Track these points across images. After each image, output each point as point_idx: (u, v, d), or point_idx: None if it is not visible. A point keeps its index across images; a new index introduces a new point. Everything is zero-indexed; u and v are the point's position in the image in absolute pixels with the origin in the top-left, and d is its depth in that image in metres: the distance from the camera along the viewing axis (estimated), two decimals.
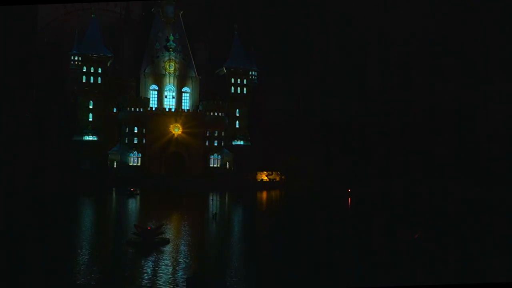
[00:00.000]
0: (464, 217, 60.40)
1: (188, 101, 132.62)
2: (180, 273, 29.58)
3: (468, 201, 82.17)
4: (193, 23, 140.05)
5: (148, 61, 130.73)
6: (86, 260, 32.76)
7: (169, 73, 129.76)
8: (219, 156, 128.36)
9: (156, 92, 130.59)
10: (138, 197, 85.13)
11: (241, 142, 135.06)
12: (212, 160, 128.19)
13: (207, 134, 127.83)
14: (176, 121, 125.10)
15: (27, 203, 70.84)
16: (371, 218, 58.96)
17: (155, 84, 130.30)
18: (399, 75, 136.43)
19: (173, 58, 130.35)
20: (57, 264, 31.25)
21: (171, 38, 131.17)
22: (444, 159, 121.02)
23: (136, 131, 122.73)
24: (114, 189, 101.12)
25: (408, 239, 38.39)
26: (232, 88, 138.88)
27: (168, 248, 36.33)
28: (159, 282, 27.33)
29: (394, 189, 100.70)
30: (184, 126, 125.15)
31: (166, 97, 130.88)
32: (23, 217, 54.38)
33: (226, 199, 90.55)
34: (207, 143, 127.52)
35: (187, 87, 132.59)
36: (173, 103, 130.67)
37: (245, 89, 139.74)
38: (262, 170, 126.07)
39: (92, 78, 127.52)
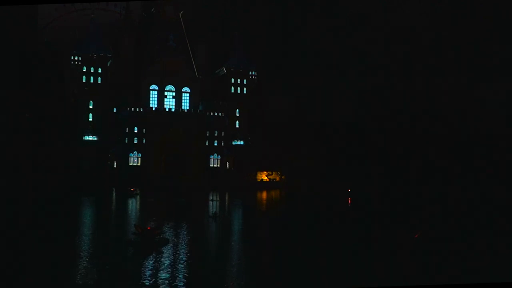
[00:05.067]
0: (464, 217, 60.39)
1: (188, 101, 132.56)
2: (180, 273, 29.58)
3: (468, 201, 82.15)
4: (193, 23, 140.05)
5: (148, 61, 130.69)
6: (86, 259, 32.76)
7: (169, 73, 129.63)
8: (219, 156, 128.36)
9: (156, 92, 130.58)
10: (138, 197, 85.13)
11: (241, 142, 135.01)
12: (212, 160, 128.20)
13: (207, 134, 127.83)
14: (176, 121, 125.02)
15: (28, 203, 70.84)
16: (371, 218, 58.95)
17: (155, 84, 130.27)
18: (399, 76, 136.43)
19: (173, 58, 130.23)
20: (57, 264, 31.25)
21: (171, 38, 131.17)
22: (444, 158, 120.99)
23: (136, 131, 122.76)
24: (114, 189, 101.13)
25: (408, 239, 38.38)
26: (232, 88, 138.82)
27: (168, 248, 36.34)
28: (159, 282, 27.34)
29: (394, 189, 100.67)
30: (183, 126, 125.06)
31: (166, 97, 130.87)
32: (24, 217, 54.38)
33: (226, 199, 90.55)
34: (207, 143, 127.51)
35: (187, 87, 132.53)
36: (173, 103, 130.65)
37: (245, 89, 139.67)
38: (262, 170, 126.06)
39: (92, 78, 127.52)
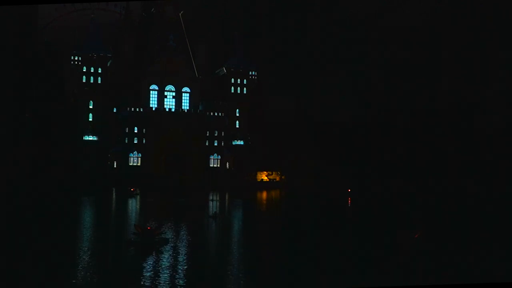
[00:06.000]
0: (464, 217, 60.41)
1: (188, 101, 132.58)
2: (180, 273, 29.58)
3: (468, 201, 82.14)
4: (193, 23, 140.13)
5: (148, 61, 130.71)
6: (86, 260, 32.75)
7: (169, 73, 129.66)
8: (219, 156, 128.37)
9: (156, 92, 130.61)
10: (138, 197, 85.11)
11: (241, 142, 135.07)
12: (212, 160, 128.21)
13: (207, 134, 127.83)
14: (176, 121, 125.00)
15: (27, 203, 70.84)
16: (371, 218, 58.96)
17: (155, 84, 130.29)
18: (399, 75, 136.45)
19: (173, 58, 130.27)
20: (57, 264, 31.23)
21: (171, 38, 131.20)
22: (444, 159, 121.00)
23: (136, 131, 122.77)
24: (114, 189, 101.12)
25: (408, 239, 38.35)
26: (232, 88, 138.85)
27: (168, 248, 36.32)
28: (159, 282, 27.32)
29: (394, 189, 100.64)
30: (184, 126, 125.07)
31: (166, 97, 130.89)
32: (24, 217, 54.39)
33: (226, 199, 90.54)
34: (207, 143, 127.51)
35: (187, 87, 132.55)
36: (173, 103, 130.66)
37: (245, 89, 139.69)
38: (262, 170, 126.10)
39: (92, 78, 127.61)
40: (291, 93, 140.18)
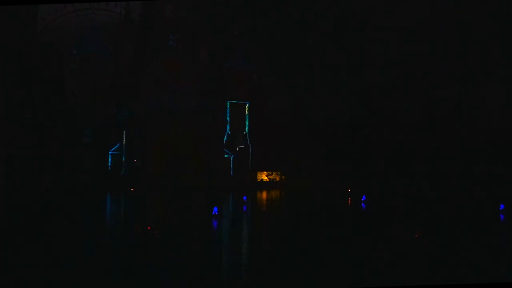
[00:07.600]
0: (464, 217, 60.41)
1: (188, 101, 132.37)
2: (180, 273, 29.59)
3: (468, 201, 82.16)
4: (193, 23, 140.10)
5: (148, 61, 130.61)
6: (85, 260, 32.77)
7: (169, 73, 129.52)
8: (219, 156, 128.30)
9: (156, 92, 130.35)
10: (138, 197, 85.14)
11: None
12: (212, 160, 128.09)
13: (207, 134, 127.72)
14: (176, 121, 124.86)
15: (27, 203, 70.88)
16: (371, 218, 58.96)
17: (155, 84, 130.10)
18: (399, 75, 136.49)
19: (173, 58, 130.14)
20: (56, 264, 31.25)
21: (171, 38, 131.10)
22: (444, 159, 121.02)
23: (136, 131, 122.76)
24: (114, 189, 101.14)
25: (408, 239, 38.38)
26: (232, 88, 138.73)
27: (168, 248, 36.33)
28: (159, 282, 27.33)
29: (394, 190, 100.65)
30: (184, 126, 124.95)
31: (166, 97, 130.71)
32: (23, 217, 54.42)
33: (227, 199, 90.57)
34: (207, 143, 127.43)
35: (187, 87, 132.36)
36: (173, 103, 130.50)
37: (245, 89, 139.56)
38: (262, 170, 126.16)
39: (92, 78, 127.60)
40: (291, 93, 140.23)
